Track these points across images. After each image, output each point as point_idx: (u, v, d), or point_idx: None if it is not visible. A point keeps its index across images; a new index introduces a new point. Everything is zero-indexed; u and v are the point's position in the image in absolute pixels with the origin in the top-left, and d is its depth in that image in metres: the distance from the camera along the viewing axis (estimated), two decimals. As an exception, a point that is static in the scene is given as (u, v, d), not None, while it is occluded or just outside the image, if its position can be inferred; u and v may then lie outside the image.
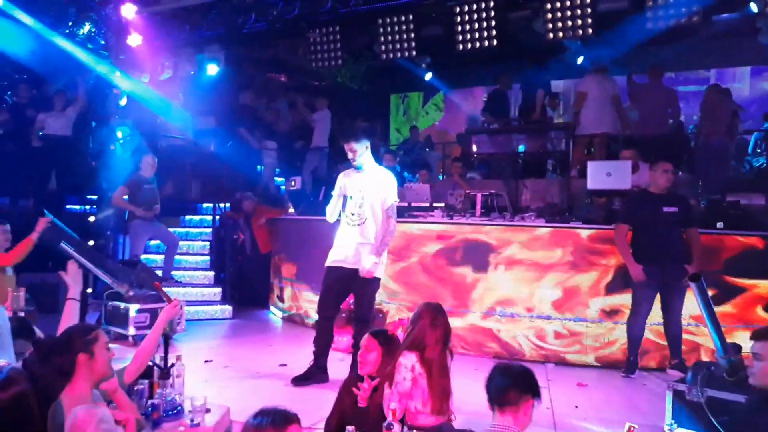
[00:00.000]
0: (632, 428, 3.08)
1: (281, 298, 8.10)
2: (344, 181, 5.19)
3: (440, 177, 10.71)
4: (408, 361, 3.14)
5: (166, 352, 3.72)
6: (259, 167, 10.65)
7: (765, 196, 6.75)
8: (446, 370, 3.24)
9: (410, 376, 3.11)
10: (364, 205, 5.03)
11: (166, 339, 4.01)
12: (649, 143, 7.56)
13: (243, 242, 9.21)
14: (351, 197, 5.08)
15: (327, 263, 5.15)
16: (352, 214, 5.06)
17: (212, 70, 10.31)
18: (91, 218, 8.71)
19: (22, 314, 4.26)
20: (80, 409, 2.24)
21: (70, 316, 3.29)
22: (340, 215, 5.22)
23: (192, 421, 3.27)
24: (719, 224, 5.91)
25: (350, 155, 5.08)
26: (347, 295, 5.24)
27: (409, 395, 3.10)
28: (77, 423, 2.19)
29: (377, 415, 3.05)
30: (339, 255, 5.07)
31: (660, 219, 5.36)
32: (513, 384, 2.49)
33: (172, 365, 3.70)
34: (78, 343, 2.67)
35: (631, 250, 5.45)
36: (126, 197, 7.58)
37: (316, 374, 5.07)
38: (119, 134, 9.30)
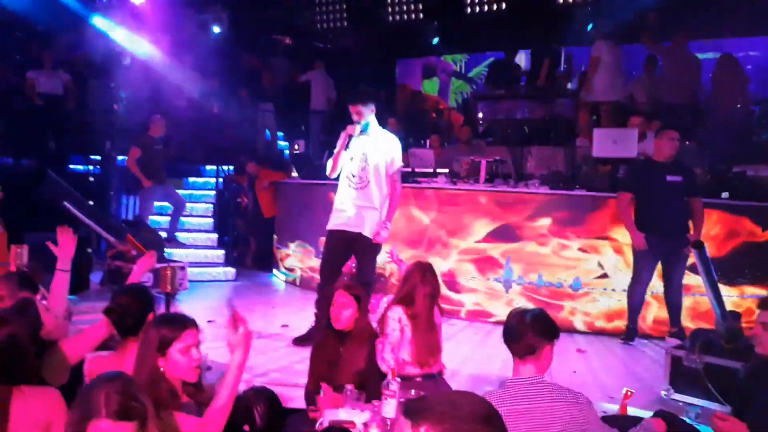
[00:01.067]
0: (629, 393, 3.11)
1: (284, 261, 8.14)
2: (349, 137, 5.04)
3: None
4: (395, 313, 3.29)
5: (168, 310, 3.76)
6: (266, 131, 10.56)
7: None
8: (433, 326, 3.35)
9: (398, 327, 3.24)
10: (367, 168, 4.97)
11: (168, 298, 4.05)
12: (664, 111, 7.46)
13: (246, 206, 9.22)
14: (352, 158, 5.00)
15: (329, 226, 5.11)
16: (353, 176, 4.98)
17: (216, 30, 10.21)
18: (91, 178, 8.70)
19: (25, 270, 4.27)
20: None
21: (59, 289, 3.22)
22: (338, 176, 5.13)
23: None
24: (724, 194, 5.88)
25: (355, 117, 4.95)
26: (349, 258, 5.24)
27: (398, 346, 3.20)
28: None
29: (351, 373, 3.13)
30: (340, 218, 5.02)
31: (664, 188, 5.32)
32: (530, 330, 2.39)
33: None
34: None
35: (633, 218, 5.43)
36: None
37: (317, 335, 5.11)
38: (122, 94, 9.23)
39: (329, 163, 5.11)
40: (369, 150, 4.99)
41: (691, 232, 5.26)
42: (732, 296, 5.27)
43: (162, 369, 2.21)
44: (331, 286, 5.13)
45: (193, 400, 2.30)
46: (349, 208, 4.99)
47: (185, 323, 2.30)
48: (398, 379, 3.03)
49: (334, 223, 5.07)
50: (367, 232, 4.95)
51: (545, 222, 6.08)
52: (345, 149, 4.97)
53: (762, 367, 2.80)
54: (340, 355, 3.25)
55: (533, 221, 6.12)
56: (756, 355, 2.91)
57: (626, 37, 8.32)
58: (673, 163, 5.44)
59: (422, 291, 3.30)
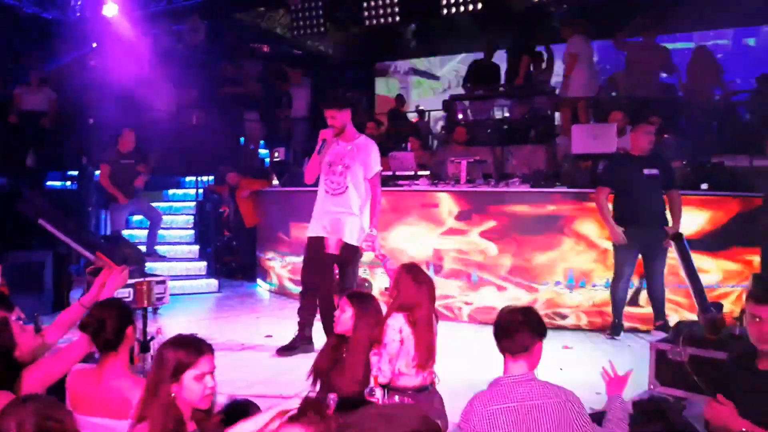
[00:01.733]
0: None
1: (267, 271, 8.06)
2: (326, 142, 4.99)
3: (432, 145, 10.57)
4: (396, 322, 3.14)
5: (144, 325, 3.69)
6: (241, 139, 10.50)
7: (749, 158, 6.73)
8: (432, 326, 3.23)
9: (399, 338, 3.11)
10: (345, 173, 4.93)
11: (145, 313, 3.98)
12: (639, 105, 7.49)
13: (228, 216, 9.14)
14: (330, 164, 4.98)
15: (308, 233, 5.08)
16: (331, 182, 4.96)
17: (192, 40, 10.15)
18: None
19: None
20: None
21: (66, 321, 3.06)
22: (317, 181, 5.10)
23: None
24: (703, 186, 5.90)
25: (330, 121, 4.91)
26: (330, 264, 5.18)
27: (396, 357, 3.11)
28: None
29: (350, 378, 3.05)
30: (319, 225, 4.99)
31: (641, 181, 5.34)
32: (524, 327, 2.42)
33: (152, 338, 3.66)
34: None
35: (612, 213, 5.43)
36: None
37: (301, 344, 5.05)
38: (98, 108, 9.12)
39: (306, 170, 5.07)
40: (346, 155, 4.95)
41: (670, 224, 5.27)
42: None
43: (173, 395, 2.13)
44: (313, 293, 5.11)
45: (200, 427, 2.23)
46: (328, 215, 4.95)
47: (202, 349, 2.21)
48: (383, 389, 3.00)
49: (313, 230, 5.03)
50: (347, 238, 4.90)
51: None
52: (318, 153, 4.92)
53: (744, 355, 2.79)
54: (341, 361, 3.19)
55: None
56: (738, 345, 2.90)
57: (600, 33, 8.38)
58: (650, 156, 5.46)
59: (419, 293, 3.18)
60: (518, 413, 2.32)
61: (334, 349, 3.26)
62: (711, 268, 5.61)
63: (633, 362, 4.71)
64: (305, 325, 5.10)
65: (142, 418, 2.14)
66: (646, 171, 5.35)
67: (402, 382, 3.13)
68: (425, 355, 3.13)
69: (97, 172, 7.82)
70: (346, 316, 3.17)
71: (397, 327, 3.11)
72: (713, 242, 5.67)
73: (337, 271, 5.30)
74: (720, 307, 3.83)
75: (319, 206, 5.04)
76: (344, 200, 4.93)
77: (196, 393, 2.16)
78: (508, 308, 2.56)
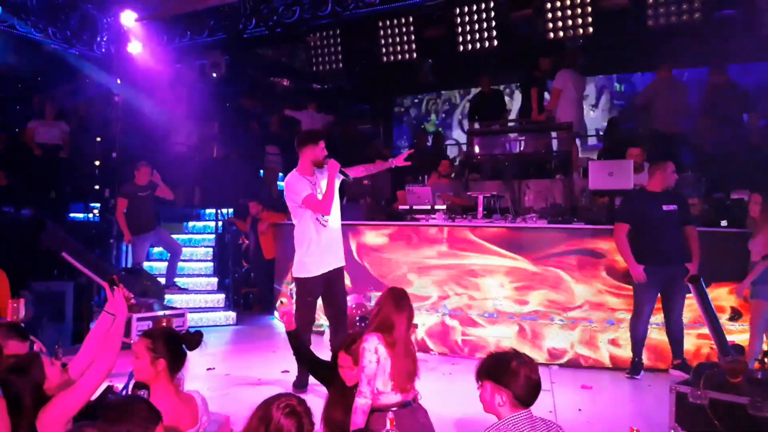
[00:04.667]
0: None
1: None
2: (313, 182, 5.12)
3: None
4: (371, 344, 3.16)
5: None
6: (261, 172, 10.64)
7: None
8: (411, 351, 3.28)
9: (375, 359, 3.14)
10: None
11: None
12: (658, 141, 7.49)
13: (247, 247, 9.21)
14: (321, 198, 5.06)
15: (313, 273, 5.07)
16: (323, 216, 5.05)
17: (214, 75, 10.36)
18: None
19: (23, 325, 4.26)
20: None
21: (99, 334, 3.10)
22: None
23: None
24: (723, 222, 5.86)
25: (324, 153, 5.08)
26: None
27: (374, 377, 3.13)
28: None
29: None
30: (325, 260, 5.08)
31: (660, 218, 5.31)
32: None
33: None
34: None
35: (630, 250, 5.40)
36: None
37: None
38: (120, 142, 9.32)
39: (323, 202, 5.04)
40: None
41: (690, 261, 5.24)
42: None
43: None
44: (310, 327, 5.13)
45: None
46: (329, 247, 5.10)
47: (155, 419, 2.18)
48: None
49: (319, 268, 5.08)
50: (343, 261, 5.20)
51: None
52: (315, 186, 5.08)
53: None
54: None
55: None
56: (759, 389, 2.86)
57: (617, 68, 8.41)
58: (668, 192, 5.45)
59: (398, 318, 3.23)
60: None
61: (342, 397, 3.26)
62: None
63: (653, 403, 4.69)
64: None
65: None
66: (665, 207, 5.33)
67: (383, 400, 3.16)
68: (403, 378, 3.18)
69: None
70: (352, 373, 3.22)
71: (373, 348, 3.16)
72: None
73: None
74: (741, 349, 3.78)
75: (318, 242, 5.06)
76: (334, 227, 5.16)
77: None
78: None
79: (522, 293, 6.07)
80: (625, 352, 5.66)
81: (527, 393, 2.41)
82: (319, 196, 5.01)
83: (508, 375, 2.42)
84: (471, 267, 6.28)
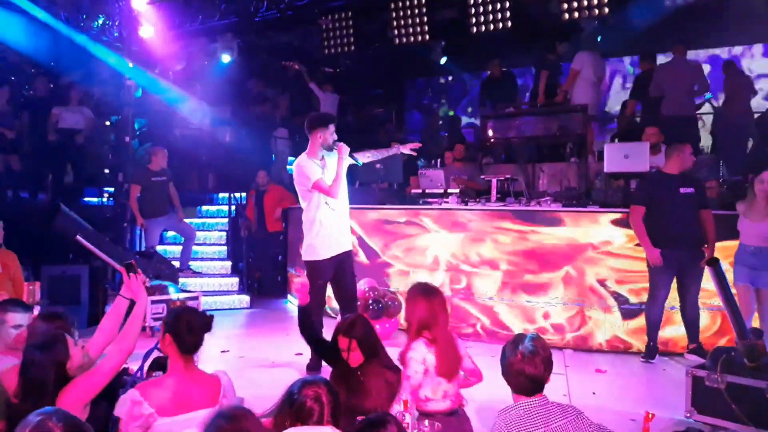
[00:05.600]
0: (650, 416, 3.02)
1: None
2: (322, 166, 5.09)
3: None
4: (419, 354, 3.09)
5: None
6: (272, 156, 10.62)
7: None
8: (452, 339, 3.21)
9: (422, 369, 3.08)
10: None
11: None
12: (672, 123, 7.37)
13: (249, 230, 9.06)
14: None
15: (324, 255, 5.05)
16: (333, 200, 5.02)
17: (226, 59, 10.32)
18: None
19: (38, 308, 4.30)
20: None
21: (115, 316, 3.14)
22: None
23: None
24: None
25: (334, 137, 5.04)
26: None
27: (419, 386, 3.08)
28: None
29: (375, 401, 3.01)
30: (334, 244, 5.07)
31: (677, 201, 5.24)
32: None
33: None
34: None
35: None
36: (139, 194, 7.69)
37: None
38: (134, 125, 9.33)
39: (333, 186, 5.01)
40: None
41: (706, 244, 5.17)
42: None
43: None
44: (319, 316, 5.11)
45: None
46: (340, 230, 5.11)
47: None
48: (416, 413, 2.97)
49: (328, 251, 5.06)
50: (351, 245, 5.26)
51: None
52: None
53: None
54: (360, 384, 3.13)
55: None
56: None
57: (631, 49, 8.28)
58: (685, 175, 5.37)
59: (433, 312, 3.16)
60: None
61: (343, 377, 3.19)
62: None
63: (669, 388, 4.66)
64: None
65: None
66: (682, 190, 5.25)
67: (430, 406, 3.12)
68: (449, 367, 3.12)
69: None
70: (354, 355, 3.13)
71: (420, 358, 3.08)
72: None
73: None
74: (759, 333, 3.73)
75: (329, 225, 5.04)
76: (343, 210, 5.14)
77: None
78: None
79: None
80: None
81: (523, 388, 2.41)
82: (329, 180, 4.99)
83: (504, 371, 2.46)
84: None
